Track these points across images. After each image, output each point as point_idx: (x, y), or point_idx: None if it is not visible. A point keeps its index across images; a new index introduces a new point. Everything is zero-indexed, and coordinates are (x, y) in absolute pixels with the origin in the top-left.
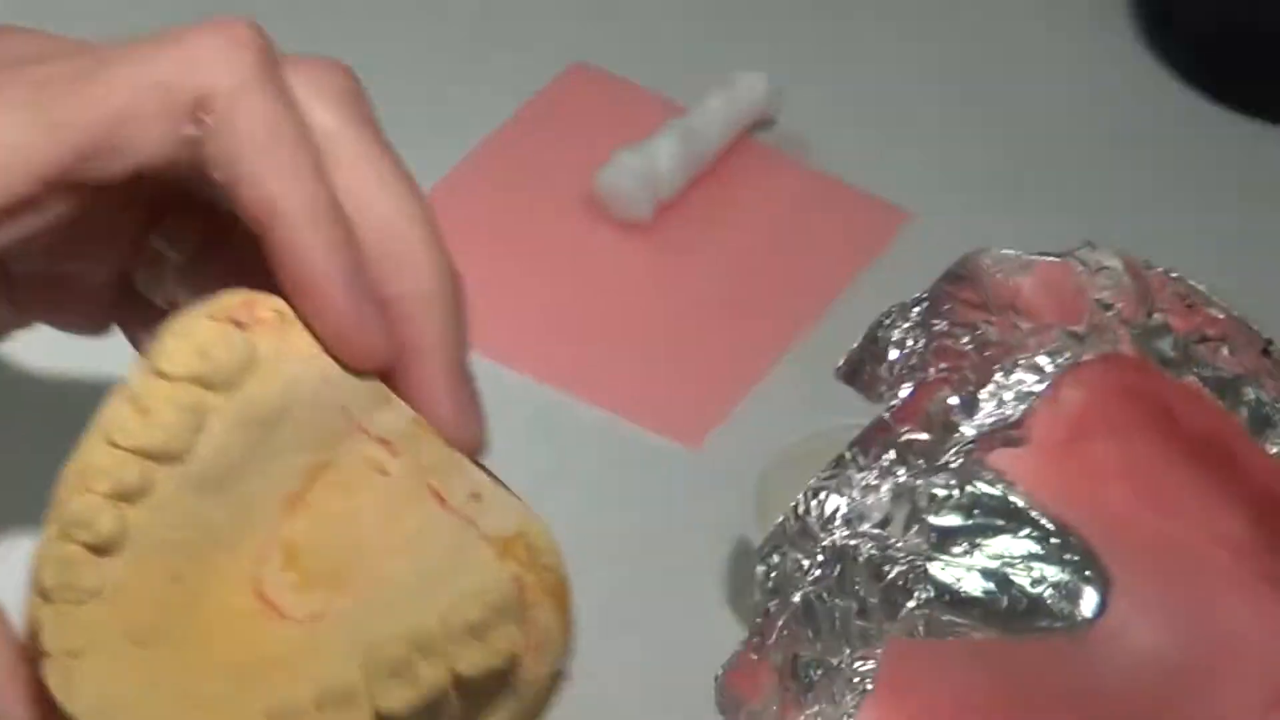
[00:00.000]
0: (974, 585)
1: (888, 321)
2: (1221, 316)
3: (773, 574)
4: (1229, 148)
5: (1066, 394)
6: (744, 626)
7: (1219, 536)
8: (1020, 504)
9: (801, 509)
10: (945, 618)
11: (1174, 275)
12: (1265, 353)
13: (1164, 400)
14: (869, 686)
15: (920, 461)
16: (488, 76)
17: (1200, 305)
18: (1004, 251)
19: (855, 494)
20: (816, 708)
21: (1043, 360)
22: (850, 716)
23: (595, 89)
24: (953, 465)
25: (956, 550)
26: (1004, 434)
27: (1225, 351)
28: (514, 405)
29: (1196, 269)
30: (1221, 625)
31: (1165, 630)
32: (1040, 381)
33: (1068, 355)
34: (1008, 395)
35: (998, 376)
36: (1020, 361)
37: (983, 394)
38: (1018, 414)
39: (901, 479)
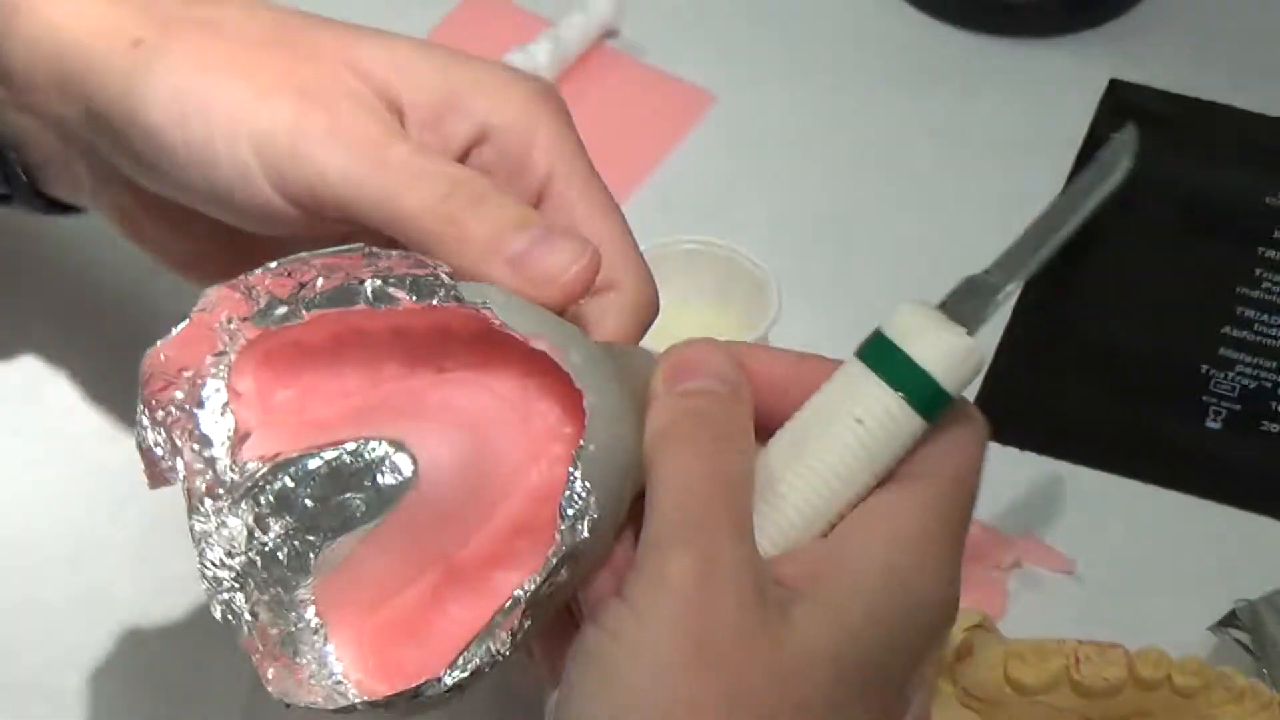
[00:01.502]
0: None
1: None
2: (316, 260)
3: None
4: (943, 52)
5: (240, 385)
6: None
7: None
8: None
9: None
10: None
11: (271, 265)
12: (365, 254)
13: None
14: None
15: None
16: (407, 3)
17: (295, 265)
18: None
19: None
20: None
21: (212, 382)
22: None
23: (489, 10)
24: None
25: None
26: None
27: (320, 281)
28: None
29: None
30: (494, 472)
31: (456, 471)
32: (220, 392)
33: (222, 368)
34: (215, 419)
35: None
36: (202, 398)
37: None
38: (230, 423)
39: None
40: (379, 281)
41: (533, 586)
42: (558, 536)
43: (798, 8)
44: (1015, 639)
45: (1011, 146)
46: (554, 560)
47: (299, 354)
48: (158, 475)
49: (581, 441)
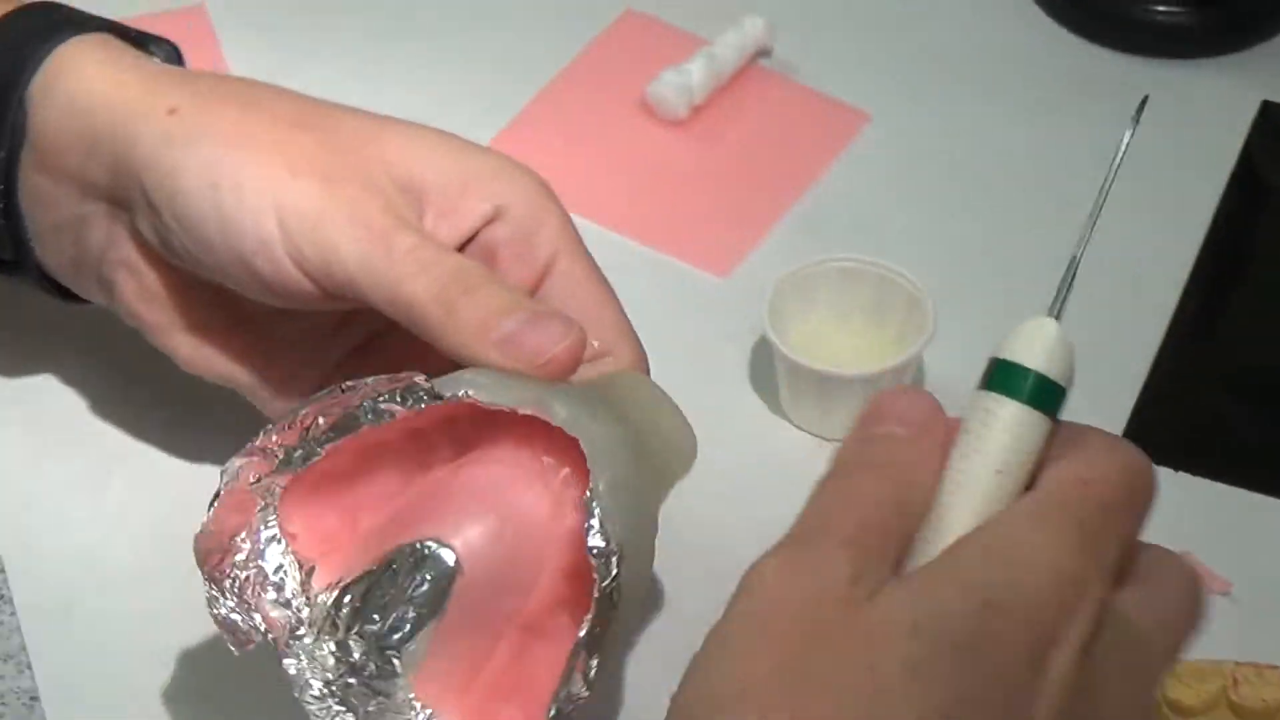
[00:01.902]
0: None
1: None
2: (306, 409)
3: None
4: (1093, 73)
5: (291, 528)
6: (762, 400)
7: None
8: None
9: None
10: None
11: (270, 427)
12: (344, 390)
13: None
14: None
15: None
16: (567, 19)
17: (291, 419)
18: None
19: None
20: None
21: (265, 532)
22: None
23: (644, 28)
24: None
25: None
26: (308, 573)
27: (321, 419)
28: (596, 250)
29: (1057, 162)
30: (528, 532)
31: (494, 544)
32: (277, 540)
33: (271, 518)
34: (278, 565)
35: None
36: (262, 550)
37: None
38: (294, 564)
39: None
40: (370, 402)
41: (586, 629)
42: (595, 577)
43: (951, 28)
44: None
45: (1163, 168)
46: (597, 599)
47: (333, 482)
48: (241, 641)
49: (590, 483)
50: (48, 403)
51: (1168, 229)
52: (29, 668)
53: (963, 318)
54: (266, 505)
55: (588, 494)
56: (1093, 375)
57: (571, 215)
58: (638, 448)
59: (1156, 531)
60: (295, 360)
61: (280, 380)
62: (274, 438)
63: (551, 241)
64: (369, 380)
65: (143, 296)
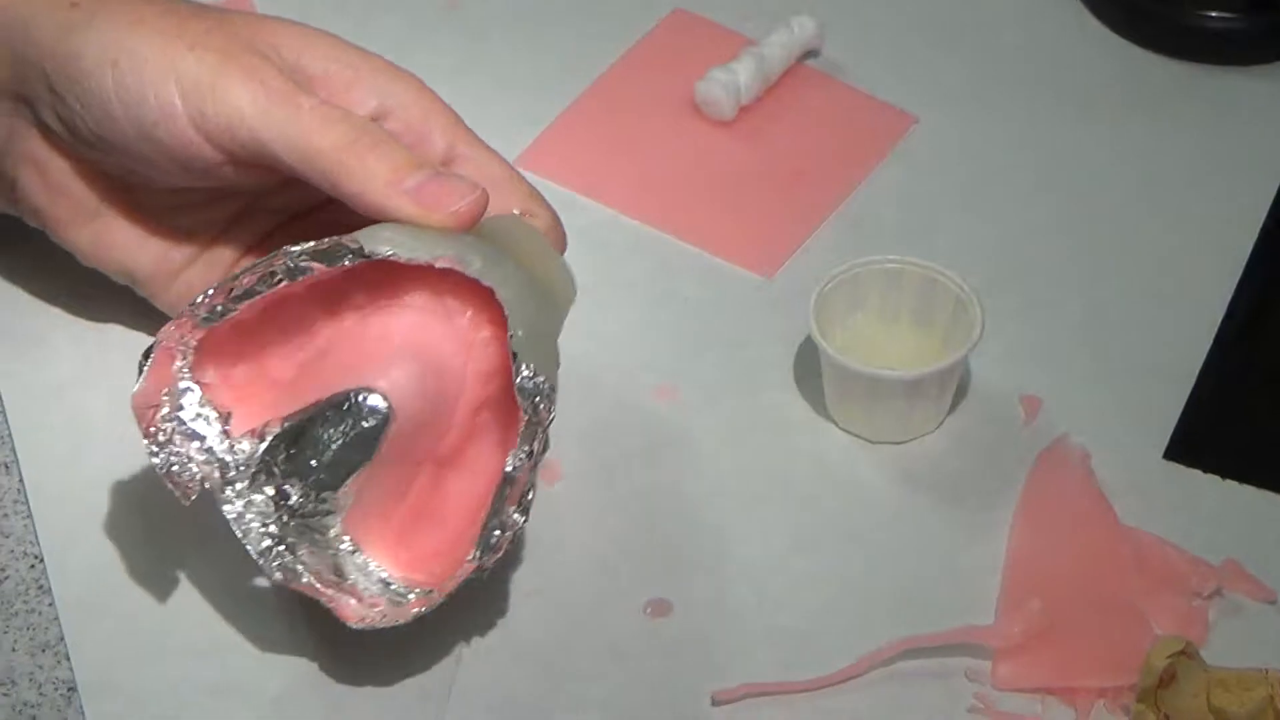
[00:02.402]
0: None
1: None
2: (243, 276)
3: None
4: (1143, 79)
5: (204, 378)
6: (807, 401)
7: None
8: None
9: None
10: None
11: (209, 291)
12: (282, 253)
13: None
14: None
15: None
16: (616, 17)
17: (226, 284)
18: None
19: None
20: None
21: (181, 384)
22: None
23: (693, 27)
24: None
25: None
26: (224, 419)
27: (245, 278)
28: (641, 249)
29: (1106, 166)
30: (443, 372)
31: (417, 386)
32: (192, 390)
33: (185, 371)
34: (197, 413)
35: None
36: (181, 403)
37: (192, 424)
38: (211, 412)
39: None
40: (291, 261)
41: (518, 461)
42: (524, 416)
43: (998, 31)
44: (1218, 667)
45: (1211, 173)
46: (528, 436)
47: (241, 334)
48: (185, 490)
49: (510, 331)
50: (84, 391)
51: (1218, 234)
52: (67, 658)
53: (1011, 321)
54: (183, 361)
55: (510, 341)
56: (1141, 383)
57: (616, 213)
58: (539, 292)
59: (1201, 540)
60: (190, 252)
61: (174, 273)
62: (206, 300)
63: (445, 134)
64: (306, 245)
65: (44, 189)
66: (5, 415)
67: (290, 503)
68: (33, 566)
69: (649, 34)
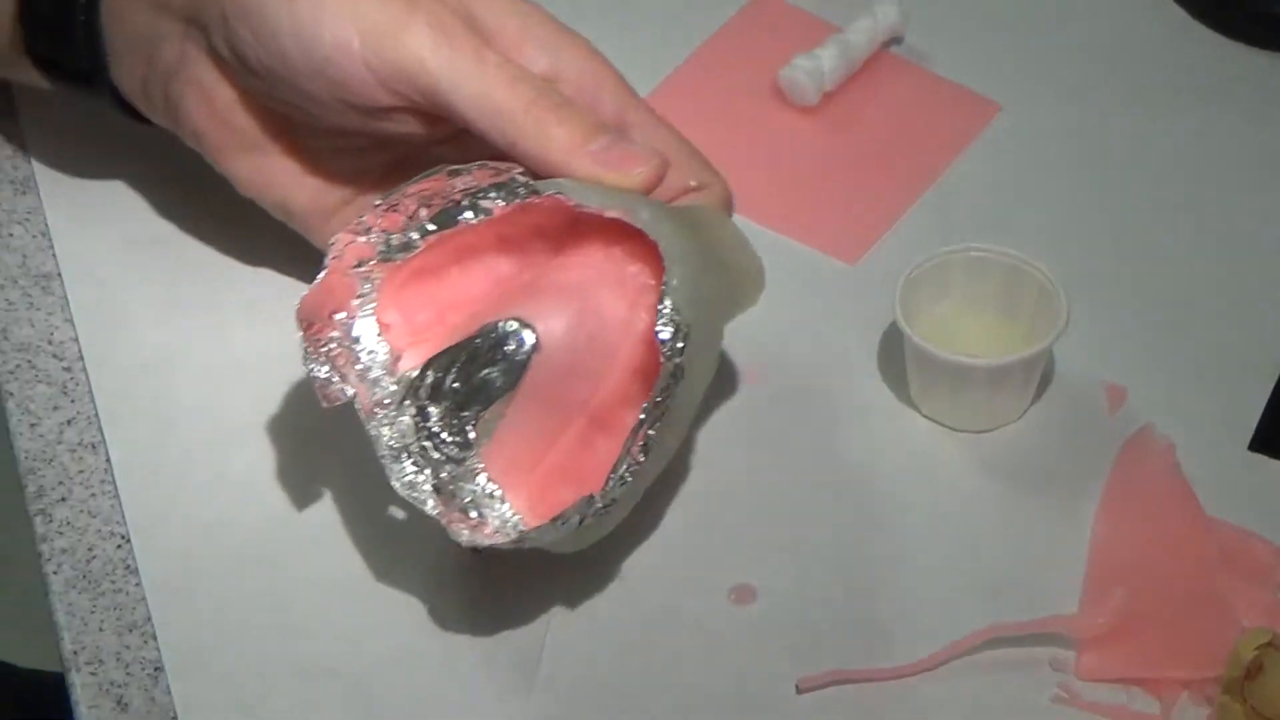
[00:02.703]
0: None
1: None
2: (411, 189)
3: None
4: (1228, 69)
5: (386, 317)
6: (890, 389)
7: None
8: None
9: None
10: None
11: (376, 203)
12: (449, 174)
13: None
14: None
15: None
16: (696, 3)
17: (396, 200)
18: None
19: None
20: None
21: (362, 320)
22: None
23: (776, 13)
24: None
25: None
26: (395, 359)
27: (423, 210)
28: None
29: (1191, 156)
30: (604, 326)
31: (573, 331)
32: (371, 327)
33: (368, 307)
34: (371, 349)
35: None
36: (355, 335)
37: (364, 359)
38: (385, 348)
39: None
40: (470, 198)
41: (650, 403)
42: (662, 358)
43: (1084, 19)
44: None
45: None
46: (663, 377)
47: (428, 278)
48: (329, 396)
49: (664, 279)
50: (171, 372)
51: None
52: (154, 638)
53: (1096, 310)
54: (365, 295)
55: (662, 285)
56: (1226, 373)
57: None
58: (711, 263)
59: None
60: (346, 194)
61: (329, 212)
62: (378, 220)
63: (616, 99)
64: (472, 168)
65: (209, 115)
66: (92, 395)
67: (430, 425)
68: (119, 546)
69: (732, 20)
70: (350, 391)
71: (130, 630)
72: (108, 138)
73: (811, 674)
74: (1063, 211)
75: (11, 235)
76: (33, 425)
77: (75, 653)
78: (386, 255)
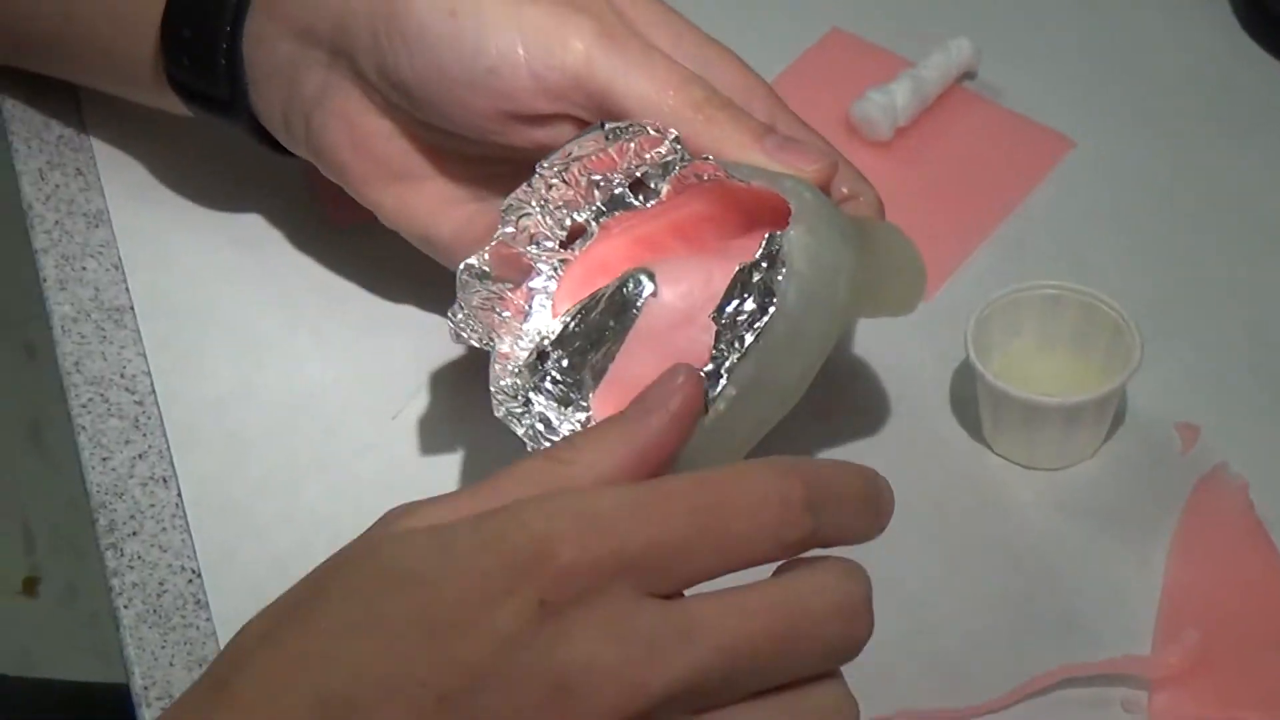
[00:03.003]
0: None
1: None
2: (578, 154)
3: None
4: None
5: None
6: (963, 426)
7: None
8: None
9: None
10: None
11: (545, 169)
12: (608, 135)
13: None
14: None
15: None
16: (774, 35)
17: (565, 167)
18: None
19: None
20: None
21: (538, 300)
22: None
23: (850, 48)
24: None
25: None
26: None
27: (596, 191)
28: None
29: (1268, 191)
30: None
31: (697, 283)
32: (544, 308)
33: (544, 299)
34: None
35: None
36: (529, 311)
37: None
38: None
39: None
40: (638, 180)
41: (731, 317)
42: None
43: (1158, 53)
44: None
45: None
46: (747, 291)
47: (604, 273)
48: (461, 340)
49: (787, 228)
50: (242, 405)
51: None
52: None
53: (1169, 348)
54: (540, 288)
55: (781, 233)
56: None
57: None
58: (853, 247)
59: None
60: (491, 226)
61: (472, 243)
62: (546, 187)
63: (767, 110)
64: (631, 129)
65: (352, 146)
66: (164, 429)
67: (547, 364)
68: (190, 581)
69: (805, 54)
70: (482, 343)
71: (200, 665)
72: (181, 171)
73: (882, 714)
74: (1136, 247)
75: (85, 269)
76: (104, 459)
77: (146, 688)
78: (562, 239)
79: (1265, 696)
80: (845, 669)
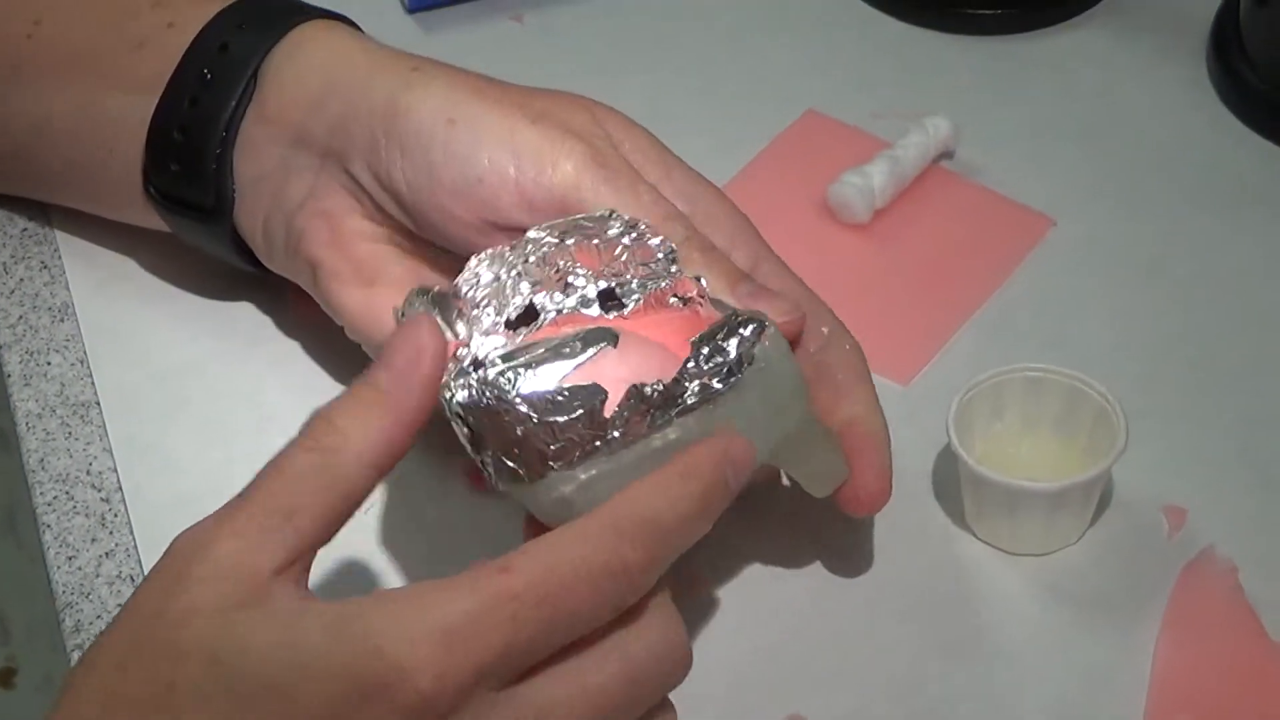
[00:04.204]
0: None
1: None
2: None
3: None
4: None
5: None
6: (945, 512)
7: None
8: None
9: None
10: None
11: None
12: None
13: None
14: None
15: None
16: (749, 118)
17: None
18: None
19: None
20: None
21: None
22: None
23: (825, 129)
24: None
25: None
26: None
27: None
28: None
29: (1252, 268)
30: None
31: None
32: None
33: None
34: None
35: None
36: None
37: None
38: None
39: None
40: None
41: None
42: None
43: (1138, 131)
44: None
45: None
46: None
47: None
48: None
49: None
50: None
51: None
52: None
53: (1155, 429)
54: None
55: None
56: None
57: None
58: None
59: None
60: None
61: None
62: (528, 263)
63: (750, 251)
64: (632, 232)
65: (330, 243)
66: (132, 527)
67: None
68: None
69: (781, 136)
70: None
71: None
72: (148, 264)
73: None
74: (1120, 327)
75: (50, 364)
76: (70, 558)
77: None
78: (511, 318)
79: None
80: None
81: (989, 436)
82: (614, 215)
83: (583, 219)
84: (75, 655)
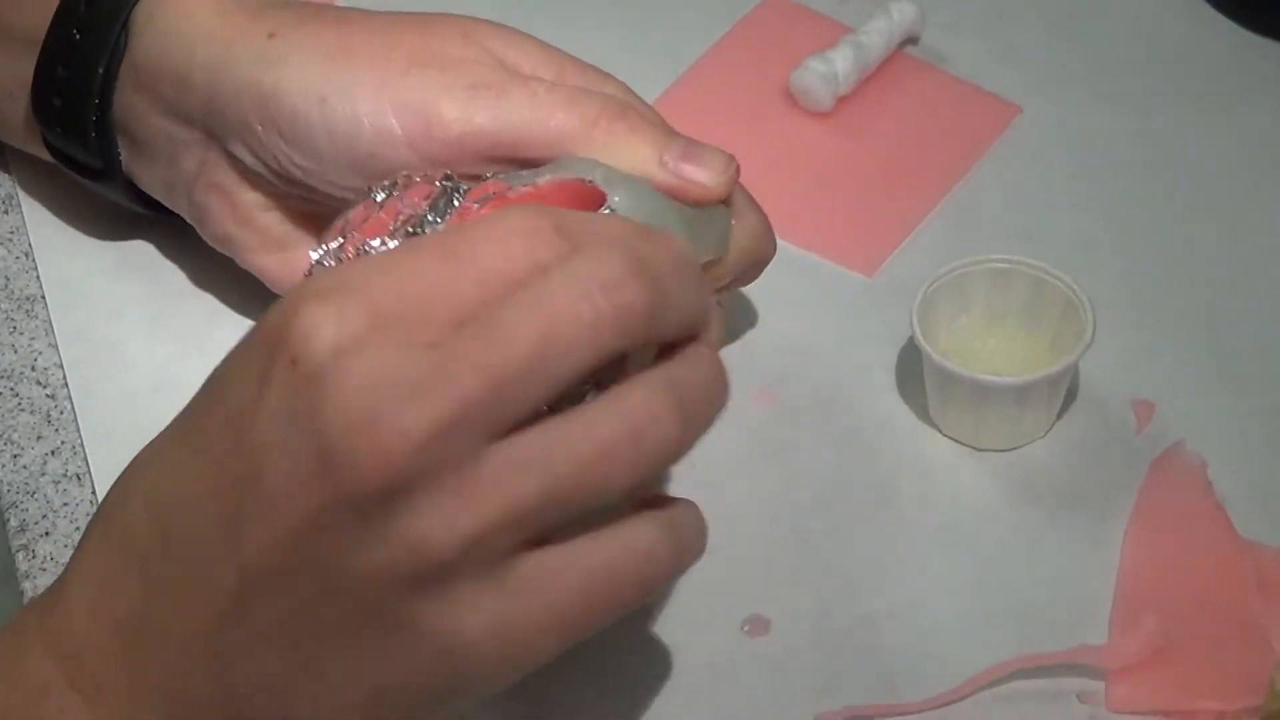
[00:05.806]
0: None
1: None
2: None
3: None
4: (1260, 67)
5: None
6: (909, 407)
7: None
8: None
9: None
10: None
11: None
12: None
13: None
14: None
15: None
16: (707, 3)
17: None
18: None
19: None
20: None
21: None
22: None
23: (787, 14)
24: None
25: None
26: None
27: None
28: None
29: (1224, 158)
30: None
31: None
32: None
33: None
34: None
35: None
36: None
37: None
38: None
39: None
40: (408, 232)
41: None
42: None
43: (1107, 17)
44: None
45: None
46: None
47: None
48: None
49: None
50: (159, 399)
51: None
52: None
53: (1121, 322)
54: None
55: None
56: (1260, 386)
57: None
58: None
59: None
60: None
61: None
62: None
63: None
64: (397, 185)
65: (234, 219)
66: (78, 425)
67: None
68: None
69: (741, 22)
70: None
71: None
72: None
73: (829, 710)
74: (1087, 218)
75: None
76: (15, 456)
77: None
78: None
79: (1224, 684)
80: (795, 670)
81: (954, 329)
82: (371, 189)
83: (347, 211)
84: (20, 555)
